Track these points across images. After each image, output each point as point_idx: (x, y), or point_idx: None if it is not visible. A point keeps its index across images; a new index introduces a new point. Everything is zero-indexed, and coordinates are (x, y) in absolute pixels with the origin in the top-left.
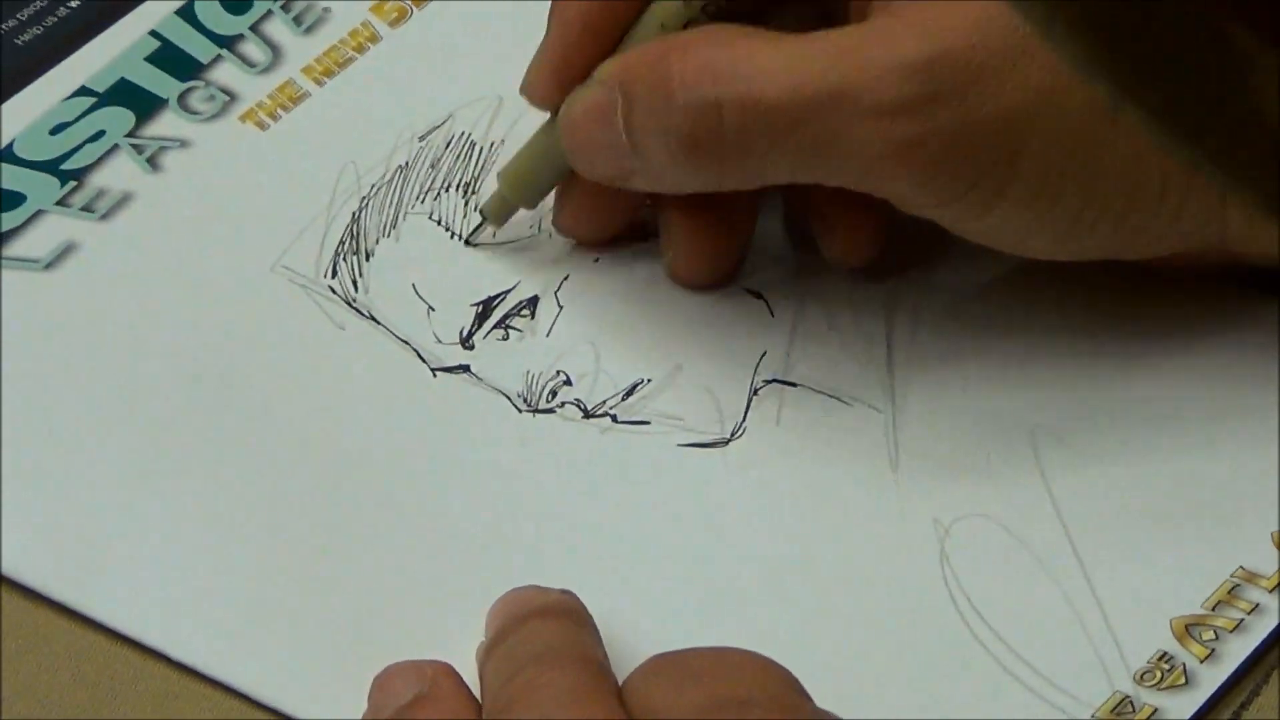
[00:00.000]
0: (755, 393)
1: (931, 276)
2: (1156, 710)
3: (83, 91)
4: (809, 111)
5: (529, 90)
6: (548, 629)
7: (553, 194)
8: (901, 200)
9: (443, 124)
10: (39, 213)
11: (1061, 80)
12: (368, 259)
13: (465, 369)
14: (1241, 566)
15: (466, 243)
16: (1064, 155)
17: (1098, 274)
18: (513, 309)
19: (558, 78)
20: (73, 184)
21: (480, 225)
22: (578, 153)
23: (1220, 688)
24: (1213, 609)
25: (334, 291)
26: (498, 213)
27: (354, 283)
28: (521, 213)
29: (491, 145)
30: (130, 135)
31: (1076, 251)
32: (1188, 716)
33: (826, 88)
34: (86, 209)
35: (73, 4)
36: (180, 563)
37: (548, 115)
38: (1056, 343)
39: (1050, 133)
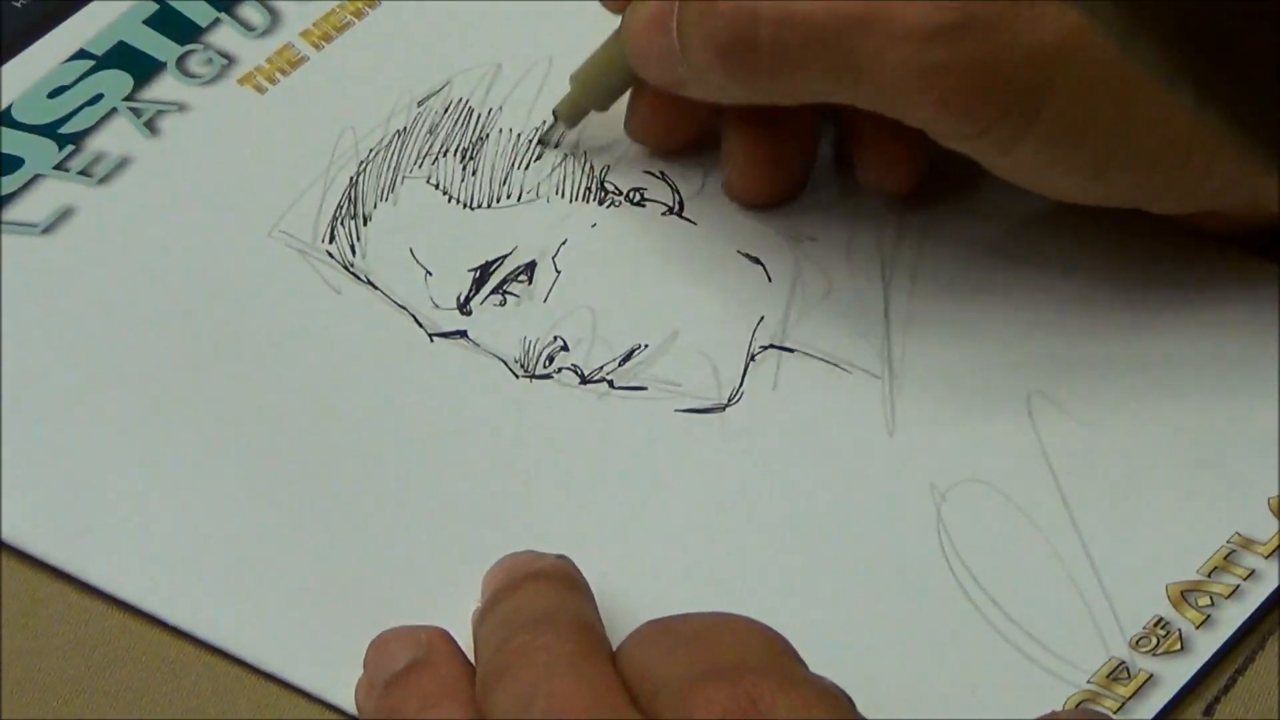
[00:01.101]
0: (752, 358)
1: (928, 243)
2: (1152, 676)
3: (81, 55)
4: (843, 30)
5: None
6: (542, 594)
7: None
8: (929, 128)
9: (441, 89)
10: (37, 177)
11: (1091, 26)
12: (365, 223)
13: (463, 334)
14: (1238, 532)
15: (540, 143)
16: (1089, 100)
17: (1093, 240)
18: (510, 274)
19: None
20: (71, 148)
21: (553, 125)
22: (637, 57)
23: (1216, 654)
24: (1209, 575)
25: (331, 256)
26: (570, 114)
27: (351, 247)
28: (520, 177)
29: (490, 111)
30: (128, 99)
31: (1102, 197)
32: (1183, 682)
33: (861, 8)
34: (84, 173)
35: None
36: (177, 528)
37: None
38: (1053, 309)
39: (1077, 76)
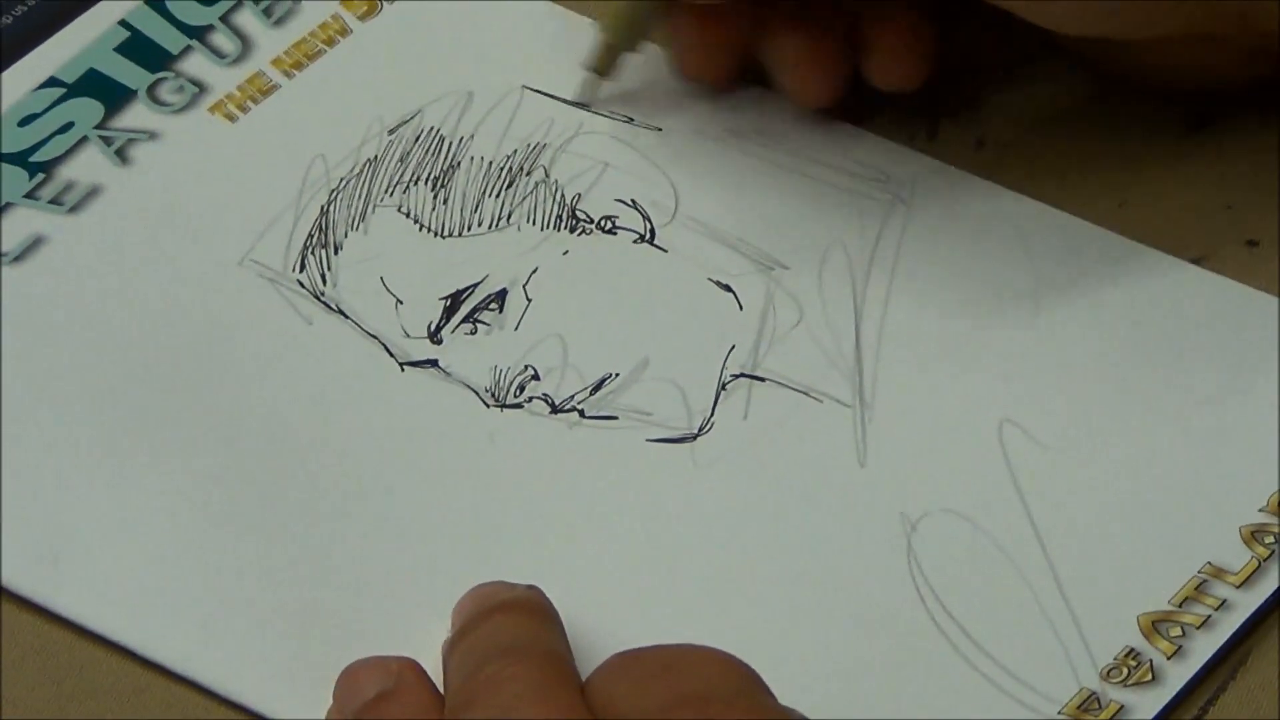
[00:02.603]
0: (723, 387)
1: (899, 271)
2: (1123, 707)
3: (52, 82)
4: None
5: None
6: (512, 624)
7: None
8: None
9: (412, 118)
10: (7, 205)
11: None
12: (336, 252)
13: (433, 363)
14: (1209, 562)
15: (578, 103)
16: None
17: (1065, 268)
18: (481, 302)
19: None
20: (41, 176)
21: (587, 80)
22: None
23: (1187, 684)
24: (1180, 605)
25: (302, 285)
26: (604, 61)
27: (322, 276)
28: (492, 205)
29: (461, 140)
30: (99, 127)
31: (1101, 16)
32: (1154, 713)
33: None
34: (55, 202)
35: None
36: (147, 557)
37: None
38: (1024, 338)
39: None
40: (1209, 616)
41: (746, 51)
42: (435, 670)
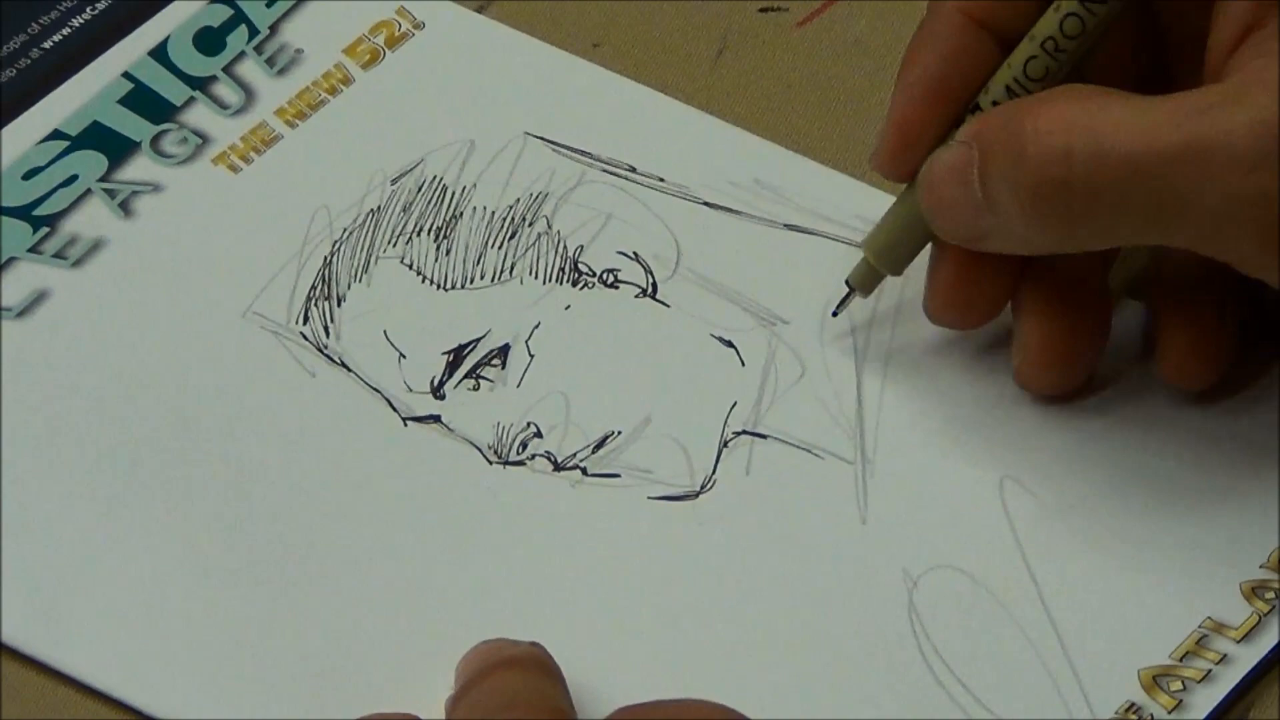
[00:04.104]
0: (725, 444)
1: (901, 328)
2: None
3: (56, 135)
4: (1162, 165)
5: (877, 160)
6: (515, 680)
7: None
8: (1244, 261)
9: (415, 167)
10: (11, 260)
11: None
12: (339, 304)
13: (436, 419)
14: (1209, 617)
15: (834, 314)
16: None
17: None
18: (483, 358)
19: (906, 144)
20: (45, 230)
21: (849, 295)
22: (936, 210)
23: None
24: (1181, 659)
25: (305, 338)
26: (865, 282)
27: (325, 329)
28: (495, 257)
29: (463, 189)
30: (103, 180)
31: None
32: None
33: (1181, 141)
34: (59, 256)
35: (46, 46)
36: (148, 613)
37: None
38: (1024, 396)
39: None
40: (1210, 671)
41: (1002, 305)
42: None
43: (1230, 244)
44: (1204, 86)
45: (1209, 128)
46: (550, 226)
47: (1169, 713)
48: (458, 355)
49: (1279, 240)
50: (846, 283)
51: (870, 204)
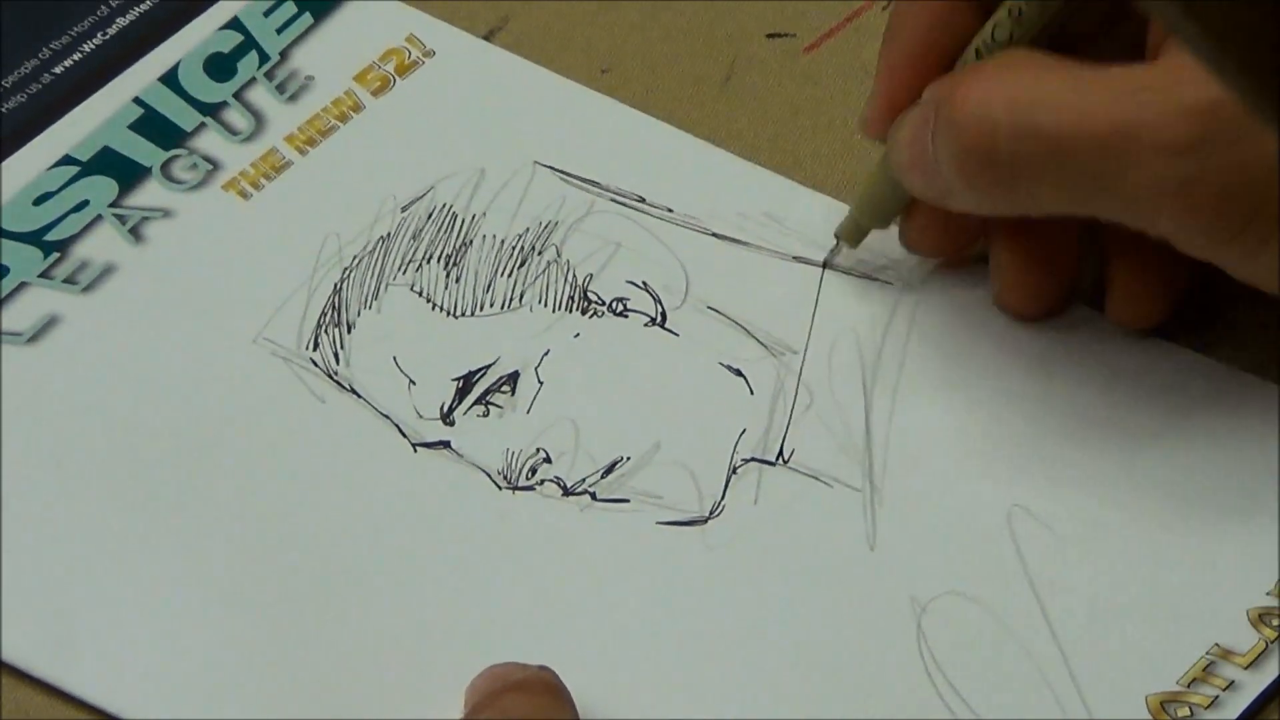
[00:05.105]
0: (734, 471)
1: (909, 356)
2: None
3: (66, 160)
4: (1089, 146)
5: (864, 125)
6: (524, 704)
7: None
8: (1173, 237)
9: (425, 195)
10: (22, 285)
11: None
12: (349, 331)
13: (446, 445)
14: (1217, 644)
15: (825, 266)
16: None
17: (1075, 353)
18: (493, 384)
19: (892, 107)
20: (56, 255)
21: (836, 247)
22: (900, 170)
23: None
24: (1188, 686)
25: (315, 364)
26: (851, 234)
27: (335, 355)
28: (504, 285)
29: (473, 217)
30: (113, 205)
31: None
32: None
33: (1109, 124)
34: (69, 281)
35: (57, 71)
36: (158, 639)
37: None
38: (1033, 423)
39: None
40: (1217, 697)
41: (973, 242)
42: None
43: (1157, 221)
44: (1139, 65)
45: (1139, 111)
46: (560, 255)
47: None
48: (467, 382)
49: (1204, 218)
50: (835, 235)
51: (877, 235)
